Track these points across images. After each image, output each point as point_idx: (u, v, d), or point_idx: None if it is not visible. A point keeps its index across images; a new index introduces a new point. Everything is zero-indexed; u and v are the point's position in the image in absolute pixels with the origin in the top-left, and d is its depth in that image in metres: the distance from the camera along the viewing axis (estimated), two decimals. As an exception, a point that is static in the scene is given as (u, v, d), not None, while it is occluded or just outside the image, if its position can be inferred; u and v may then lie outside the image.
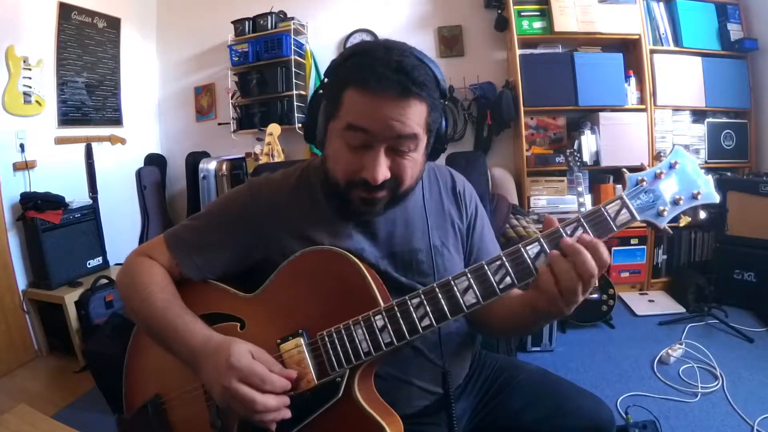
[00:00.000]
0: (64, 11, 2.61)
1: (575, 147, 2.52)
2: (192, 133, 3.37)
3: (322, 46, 3.05)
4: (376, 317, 0.64)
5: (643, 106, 2.64)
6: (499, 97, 2.70)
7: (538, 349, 2.09)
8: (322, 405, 0.66)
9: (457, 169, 0.94)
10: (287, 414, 0.64)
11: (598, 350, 2.08)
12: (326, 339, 0.66)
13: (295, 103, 2.86)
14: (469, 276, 0.61)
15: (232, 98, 3.03)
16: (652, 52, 2.63)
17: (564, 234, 0.59)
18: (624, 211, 0.59)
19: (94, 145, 2.76)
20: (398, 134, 0.65)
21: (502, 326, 0.79)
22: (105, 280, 2.30)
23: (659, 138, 2.64)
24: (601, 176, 2.69)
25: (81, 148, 2.72)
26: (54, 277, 2.27)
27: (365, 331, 0.65)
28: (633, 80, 2.65)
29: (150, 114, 3.38)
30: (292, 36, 2.86)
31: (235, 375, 0.62)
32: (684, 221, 0.62)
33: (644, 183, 0.60)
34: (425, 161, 0.76)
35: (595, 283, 0.57)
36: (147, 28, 3.30)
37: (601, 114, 2.62)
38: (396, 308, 0.64)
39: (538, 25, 2.67)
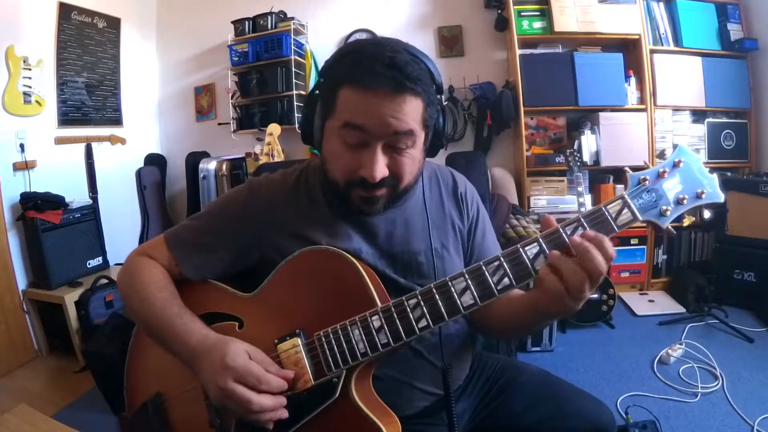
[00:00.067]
0: (64, 11, 2.61)
1: (575, 147, 2.52)
2: (192, 133, 3.37)
3: (322, 46, 3.05)
4: (373, 318, 0.64)
5: (643, 106, 2.64)
6: (499, 97, 2.70)
7: (538, 349, 2.09)
8: (319, 405, 0.66)
9: (457, 169, 0.93)
10: (284, 414, 0.64)
11: (598, 350, 2.08)
12: (323, 339, 0.66)
13: (295, 103, 2.86)
14: (467, 277, 0.61)
15: (232, 98, 3.03)
16: (652, 52, 2.63)
17: (564, 234, 0.58)
18: (625, 210, 0.58)
19: (94, 145, 2.77)
20: (395, 131, 0.65)
21: (504, 327, 0.78)
22: (105, 280, 2.30)
23: (659, 138, 2.64)
24: (601, 176, 2.69)
25: (81, 148, 2.73)
26: (54, 277, 2.27)
27: (362, 332, 0.64)
28: (633, 80, 2.65)
29: (150, 114, 3.38)
30: (292, 36, 2.86)
31: (231, 375, 0.62)
32: (688, 221, 0.61)
33: (647, 182, 0.58)
34: (424, 158, 0.76)
35: (602, 278, 0.56)
36: (147, 28, 3.30)
37: (601, 114, 2.62)
38: (393, 309, 0.64)
39: (538, 25, 2.67)
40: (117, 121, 3.02)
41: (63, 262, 2.33)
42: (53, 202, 2.31)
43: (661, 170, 0.58)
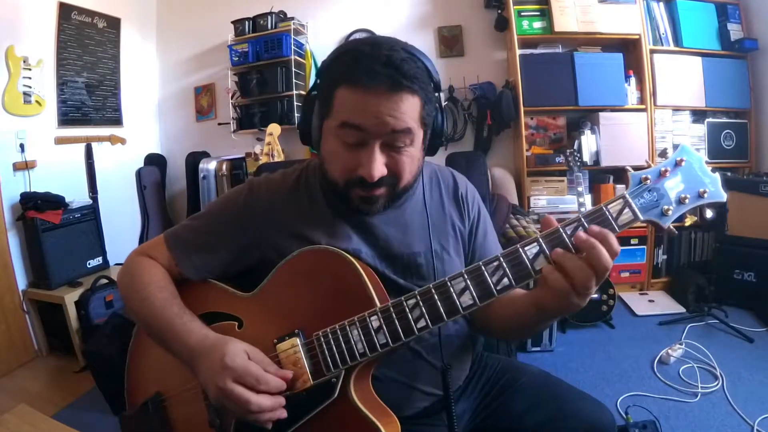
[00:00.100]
0: (64, 11, 2.61)
1: (575, 147, 2.52)
2: (192, 133, 3.37)
3: (322, 46, 3.05)
4: (372, 318, 0.64)
5: (643, 106, 2.64)
6: (499, 97, 2.70)
7: (538, 349, 2.09)
8: (317, 405, 0.66)
9: (457, 169, 0.93)
10: (283, 414, 0.64)
11: (598, 350, 2.08)
12: (322, 339, 0.66)
13: (295, 103, 2.86)
14: (466, 277, 0.61)
15: (232, 98, 3.03)
16: (652, 52, 2.63)
17: (564, 234, 0.57)
18: (626, 210, 0.57)
19: (94, 145, 2.77)
20: (392, 129, 0.65)
21: (505, 327, 0.78)
22: (105, 280, 2.30)
23: (659, 138, 2.64)
24: (601, 176, 2.69)
25: (81, 148, 2.72)
26: (54, 277, 2.27)
27: (360, 332, 0.64)
28: (633, 80, 2.65)
29: (150, 114, 3.38)
30: (292, 36, 2.86)
31: (230, 375, 0.62)
32: (690, 220, 0.59)
33: (648, 181, 0.57)
34: (424, 157, 0.75)
35: (608, 274, 0.56)
36: (147, 28, 3.30)
37: (601, 114, 2.62)
38: (392, 309, 0.63)
39: (538, 25, 2.67)
40: (117, 121, 3.02)
41: (63, 262, 2.33)
42: (53, 202, 2.32)
43: (663, 169, 0.58)
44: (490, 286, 0.60)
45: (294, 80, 2.85)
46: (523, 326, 0.74)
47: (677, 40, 2.67)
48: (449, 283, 0.61)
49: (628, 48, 2.72)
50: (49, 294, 2.24)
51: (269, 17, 2.90)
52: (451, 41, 2.95)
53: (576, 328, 2.27)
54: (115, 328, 1.83)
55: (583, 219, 0.57)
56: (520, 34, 2.66)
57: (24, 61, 2.36)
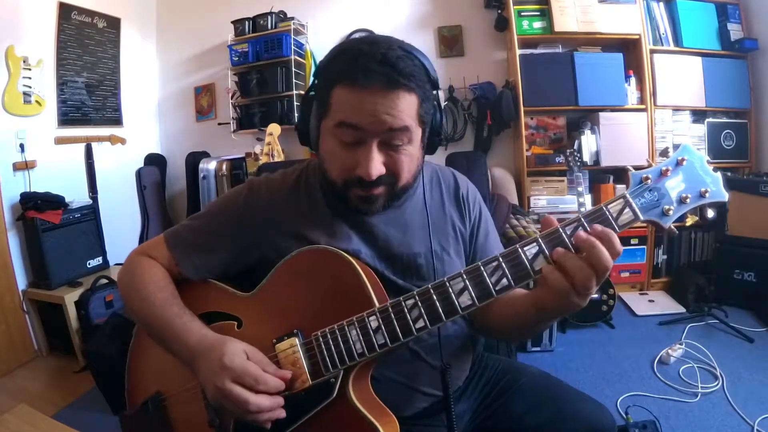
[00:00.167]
0: (64, 11, 2.61)
1: (575, 147, 2.52)
2: (192, 133, 3.37)
3: (322, 46, 3.05)
4: (370, 318, 0.64)
5: (643, 106, 2.64)
6: (499, 97, 2.70)
7: (538, 349, 2.09)
8: (316, 405, 0.66)
9: (457, 169, 0.93)
10: (282, 414, 0.64)
11: (598, 350, 2.08)
12: (320, 339, 0.66)
13: (295, 103, 2.86)
14: (465, 277, 0.60)
15: (232, 98, 3.03)
16: (652, 52, 2.63)
17: (563, 234, 0.57)
18: (627, 210, 0.56)
19: (94, 145, 2.77)
20: (389, 127, 0.65)
21: (505, 327, 0.77)
22: (105, 280, 2.30)
23: (659, 138, 2.64)
24: (601, 176, 2.69)
25: (81, 148, 2.73)
26: (54, 277, 2.27)
27: (359, 332, 0.64)
28: (633, 80, 2.65)
29: (150, 114, 3.38)
30: (292, 36, 2.86)
31: (228, 375, 0.62)
32: (691, 220, 0.59)
33: (649, 181, 0.57)
34: (423, 156, 0.75)
35: (608, 274, 0.55)
36: (147, 28, 3.30)
37: (601, 114, 2.62)
38: (390, 309, 0.63)
39: (538, 25, 2.67)
40: (117, 121, 3.02)
41: (63, 262, 2.33)
42: (53, 202, 2.32)
43: (664, 169, 0.57)
44: (488, 286, 0.59)
45: (294, 80, 2.86)
46: (523, 326, 0.73)
47: (677, 40, 2.67)
48: (448, 284, 0.61)
49: (628, 48, 2.72)
50: (49, 294, 2.24)
51: (269, 17, 2.90)
52: (451, 41, 2.95)
53: (576, 328, 2.27)
54: (115, 328, 1.83)
55: (583, 219, 0.57)
56: (520, 34, 2.66)
57: (24, 61, 2.36)
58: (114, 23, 2.94)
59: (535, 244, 0.58)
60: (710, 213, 0.58)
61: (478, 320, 0.82)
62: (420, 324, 0.62)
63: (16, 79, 2.33)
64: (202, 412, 0.71)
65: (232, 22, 2.98)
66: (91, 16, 2.77)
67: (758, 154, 2.70)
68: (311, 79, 0.74)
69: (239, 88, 3.02)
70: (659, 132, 2.65)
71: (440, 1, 2.96)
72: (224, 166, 2.89)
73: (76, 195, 2.56)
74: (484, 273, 0.60)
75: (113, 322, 1.88)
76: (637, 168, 0.59)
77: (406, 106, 0.65)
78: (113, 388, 1.73)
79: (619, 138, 2.60)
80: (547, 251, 0.57)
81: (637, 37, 2.62)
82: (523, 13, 2.67)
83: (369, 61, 0.62)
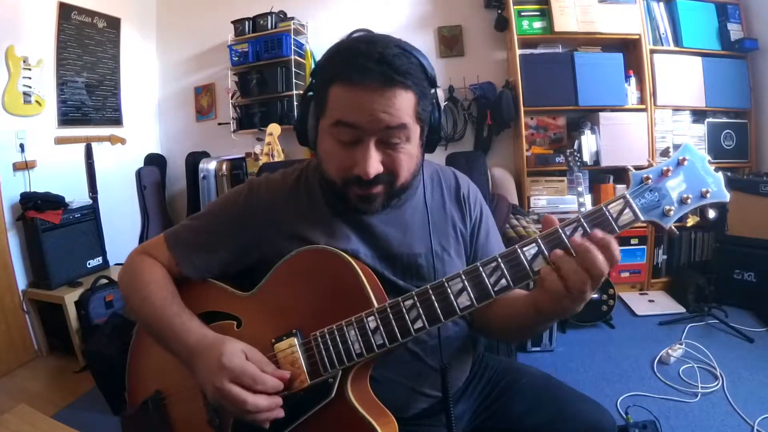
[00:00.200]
0: (64, 11, 2.61)
1: (575, 147, 2.52)
2: (192, 133, 3.37)
3: (322, 46, 3.05)
4: (369, 318, 0.64)
5: (643, 106, 2.64)
6: (499, 97, 2.70)
7: (538, 349, 2.09)
8: (315, 405, 0.66)
9: (457, 169, 0.92)
10: (280, 414, 0.64)
11: (598, 350, 2.08)
12: (319, 339, 0.66)
13: (295, 103, 2.86)
14: (464, 278, 0.60)
15: (232, 98, 3.03)
16: (652, 52, 2.63)
17: (563, 235, 0.56)
18: (627, 210, 0.56)
19: (94, 145, 2.77)
20: (386, 125, 0.64)
21: (505, 327, 0.77)
22: (105, 280, 2.29)
23: (659, 138, 2.64)
24: (601, 176, 2.69)
25: (81, 148, 2.73)
26: (54, 277, 2.27)
27: (358, 333, 0.64)
28: (633, 80, 2.65)
29: (150, 114, 3.38)
30: (292, 36, 2.86)
31: (227, 375, 0.62)
32: (692, 221, 0.58)
33: (649, 181, 0.56)
34: (422, 154, 0.75)
35: (603, 279, 0.55)
36: (147, 28, 3.30)
37: (601, 114, 2.62)
38: (389, 310, 0.63)
39: (538, 25, 2.67)
40: (117, 121, 3.02)
41: (63, 262, 2.33)
42: (53, 202, 2.32)
43: (665, 168, 0.56)
44: (487, 287, 0.59)
45: (294, 80, 2.86)
46: (521, 327, 0.73)
47: (677, 40, 2.67)
48: (447, 284, 0.61)
49: (628, 48, 2.72)
50: (49, 294, 2.24)
51: (269, 17, 2.90)
52: (451, 41, 2.95)
53: (576, 328, 2.27)
54: (115, 328, 1.84)
55: (582, 219, 0.57)
56: (520, 34, 2.66)
57: (24, 61, 2.36)
58: (114, 23, 2.94)
59: (534, 244, 0.58)
60: (711, 213, 0.57)
61: (478, 320, 0.82)
62: (418, 325, 0.62)
63: (16, 79, 2.33)
64: (201, 411, 0.71)
65: (232, 22, 2.98)
66: (91, 16, 2.77)
67: (758, 154, 2.70)
68: (309, 78, 0.74)
69: (239, 88, 3.02)
70: (659, 132, 2.65)
71: (440, 1, 2.96)
72: (224, 166, 2.89)
73: (76, 195, 2.56)
74: (483, 273, 0.59)
75: (113, 322, 1.88)
76: (637, 168, 0.59)
77: (403, 104, 0.65)
78: (113, 388, 1.74)
79: (619, 138, 2.60)
80: (546, 252, 0.57)
81: (637, 37, 2.62)
82: (523, 13, 2.67)
83: (365, 59, 0.62)
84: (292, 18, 2.96)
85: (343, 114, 0.65)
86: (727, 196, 0.56)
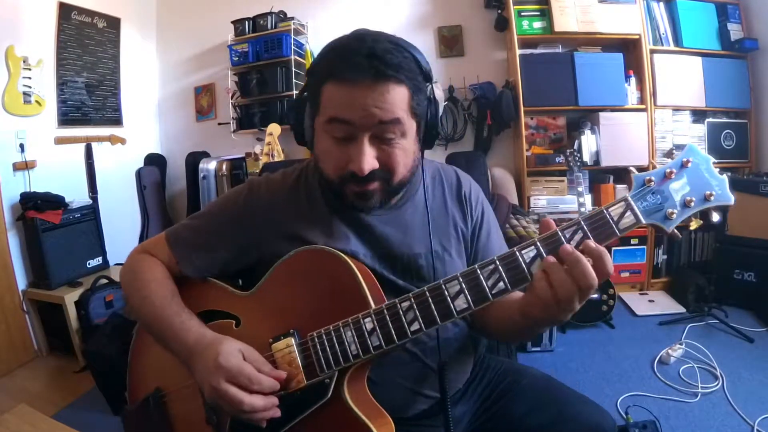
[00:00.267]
0: (64, 11, 2.61)
1: (575, 147, 2.52)
2: (192, 133, 3.37)
3: (322, 46, 3.02)
4: (366, 320, 0.64)
5: (643, 106, 2.63)
6: (499, 97, 2.70)
7: (538, 349, 2.09)
8: (311, 405, 0.66)
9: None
10: (276, 413, 0.64)
11: (598, 350, 2.08)
12: (316, 340, 0.66)
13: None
14: (461, 280, 0.59)
15: (232, 98, 3.03)
16: (652, 52, 2.63)
17: (562, 238, 0.56)
18: (628, 213, 0.55)
19: (94, 145, 2.77)
20: (380, 120, 0.64)
21: (502, 330, 0.77)
22: (105, 280, 2.30)
23: (659, 138, 2.64)
24: (602, 176, 2.68)
25: (81, 148, 2.73)
26: (54, 277, 2.27)
27: (354, 334, 0.64)
28: (633, 80, 2.65)
29: (150, 114, 3.38)
30: (292, 36, 2.86)
31: (223, 375, 0.62)
32: (695, 224, 0.57)
33: (652, 183, 0.55)
34: (420, 150, 0.74)
35: (593, 292, 0.54)
36: (147, 28, 3.30)
37: (601, 114, 2.62)
38: (385, 311, 0.63)
39: (538, 25, 2.67)
40: (117, 121, 3.02)
41: (63, 262, 2.33)
42: (53, 202, 2.32)
43: (668, 171, 0.55)
44: (485, 289, 0.59)
45: (294, 80, 2.86)
46: (518, 330, 0.72)
47: (677, 40, 2.67)
48: (444, 286, 0.60)
49: (628, 48, 2.72)
50: (49, 294, 2.24)
51: (269, 17, 2.90)
52: (451, 41, 2.95)
53: (576, 328, 2.27)
54: (115, 328, 1.84)
55: (582, 222, 0.56)
56: (520, 34, 2.66)
57: (24, 61, 2.36)
58: (114, 23, 2.94)
59: (533, 247, 0.57)
60: (715, 217, 0.56)
61: (477, 322, 0.82)
62: (415, 326, 0.61)
63: (16, 79, 2.33)
64: (200, 409, 0.71)
65: (232, 22, 2.98)
66: (91, 16, 2.77)
67: (758, 154, 2.70)
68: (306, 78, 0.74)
69: (239, 88, 3.02)
70: (659, 132, 2.64)
71: (440, 1, 2.96)
72: (224, 166, 2.89)
73: (76, 195, 2.56)
74: (481, 276, 0.59)
75: (113, 322, 1.88)
76: (640, 169, 0.58)
77: (397, 99, 0.64)
78: (113, 388, 1.74)
79: (619, 138, 2.60)
80: (545, 255, 0.56)
81: (637, 37, 2.62)
82: (523, 13, 2.67)
83: (356, 55, 0.62)
84: (292, 18, 2.96)
85: (336, 111, 0.65)
86: (731, 199, 0.55)
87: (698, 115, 2.72)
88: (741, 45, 2.61)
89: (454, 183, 0.86)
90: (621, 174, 2.64)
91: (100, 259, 2.55)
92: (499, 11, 2.74)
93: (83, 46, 2.74)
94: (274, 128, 2.58)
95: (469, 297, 0.59)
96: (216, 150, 3.17)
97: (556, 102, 2.69)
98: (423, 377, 0.78)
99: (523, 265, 0.57)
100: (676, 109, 2.68)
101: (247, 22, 2.94)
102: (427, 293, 0.61)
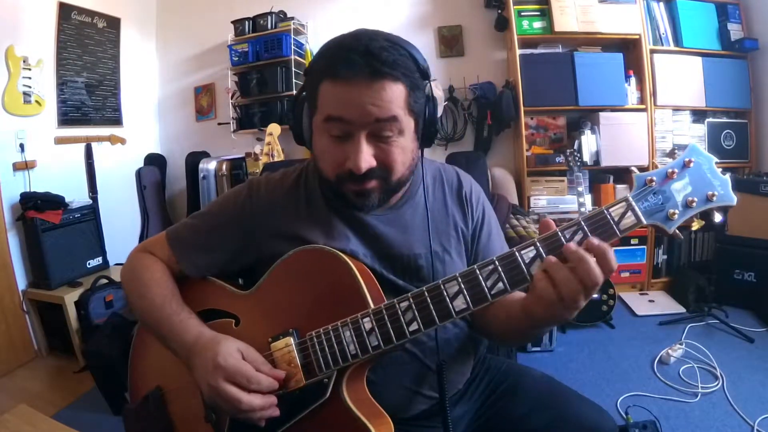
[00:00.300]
0: (64, 11, 2.61)
1: (575, 147, 2.52)
2: (192, 133, 3.37)
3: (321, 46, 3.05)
4: (364, 320, 0.63)
5: (643, 106, 2.63)
6: (499, 97, 2.70)
7: (538, 349, 2.09)
8: (310, 405, 0.66)
9: (457, 168, 0.92)
10: (275, 412, 0.64)
11: (598, 350, 2.08)
12: (315, 339, 0.66)
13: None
14: (460, 280, 0.59)
15: (232, 98, 3.03)
16: (652, 51, 2.63)
17: (562, 238, 0.55)
18: (629, 214, 0.54)
19: (94, 145, 2.77)
20: (376, 118, 0.64)
21: (502, 331, 0.76)
22: (105, 280, 2.30)
23: (659, 138, 2.64)
24: (602, 176, 2.68)
25: (81, 148, 2.73)
26: (54, 277, 2.27)
27: (353, 334, 0.64)
28: (633, 80, 2.65)
29: (150, 114, 3.38)
30: (292, 36, 2.86)
31: (221, 374, 0.62)
32: (697, 224, 0.56)
33: (653, 183, 0.55)
34: (418, 149, 0.73)
35: (597, 289, 0.54)
36: (147, 28, 3.30)
37: (601, 114, 2.62)
38: (384, 311, 0.63)
39: (538, 25, 2.67)
40: (117, 121, 3.02)
41: (63, 262, 2.33)
42: (53, 202, 2.32)
43: (670, 171, 0.55)
44: (484, 290, 0.58)
45: (294, 80, 2.86)
46: (518, 331, 0.72)
47: (677, 40, 2.66)
48: (443, 287, 0.60)
49: (628, 48, 2.72)
50: (49, 294, 2.24)
51: (269, 17, 2.90)
52: (451, 41, 2.95)
53: (576, 328, 2.27)
54: (115, 328, 1.84)
55: (583, 223, 0.55)
56: (520, 34, 2.66)
57: (24, 61, 2.36)
58: (114, 23, 2.94)
59: (532, 248, 0.57)
60: (717, 217, 0.55)
61: (477, 323, 0.82)
62: (414, 327, 0.61)
63: (16, 79, 2.33)
64: (200, 408, 0.71)
65: (232, 22, 2.98)
66: (91, 16, 2.77)
67: (758, 154, 2.70)
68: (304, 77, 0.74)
69: (239, 88, 3.02)
70: (659, 132, 2.64)
71: (440, 1, 2.96)
72: (224, 166, 2.89)
73: (76, 195, 2.56)
74: (480, 276, 0.58)
75: (113, 322, 1.88)
76: (641, 169, 0.57)
77: (393, 96, 0.64)
78: (113, 388, 1.74)
79: (619, 138, 2.60)
80: (544, 255, 0.56)
81: (637, 37, 2.62)
82: (523, 13, 2.67)
83: (352, 53, 0.62)
84: (292, 18, 2.96)
85: (332, 109, 0.65)
86: (734, 199, 0.55)
87: (698, 115, 2.72)
88: (741, 45, 2.61)
89: (454, 183, 0.86)
90: (621, 174, 2.64)
91: (100, 259, 2.55)
92: (499, 11, 2.74)
93: (83, 46, 2.74)
94: (274, 128, 2.58)
95: (468, 297, 0.59)
96: (216, 150, 3.17)
97: (556, 102, 2.69)
98: (422, 377, 0.78)
99: (523, 266, 0.57)
100: (676, 109, 2.68)
101: (247, 22, 2.95)
102: (426, 293, 0.61)
